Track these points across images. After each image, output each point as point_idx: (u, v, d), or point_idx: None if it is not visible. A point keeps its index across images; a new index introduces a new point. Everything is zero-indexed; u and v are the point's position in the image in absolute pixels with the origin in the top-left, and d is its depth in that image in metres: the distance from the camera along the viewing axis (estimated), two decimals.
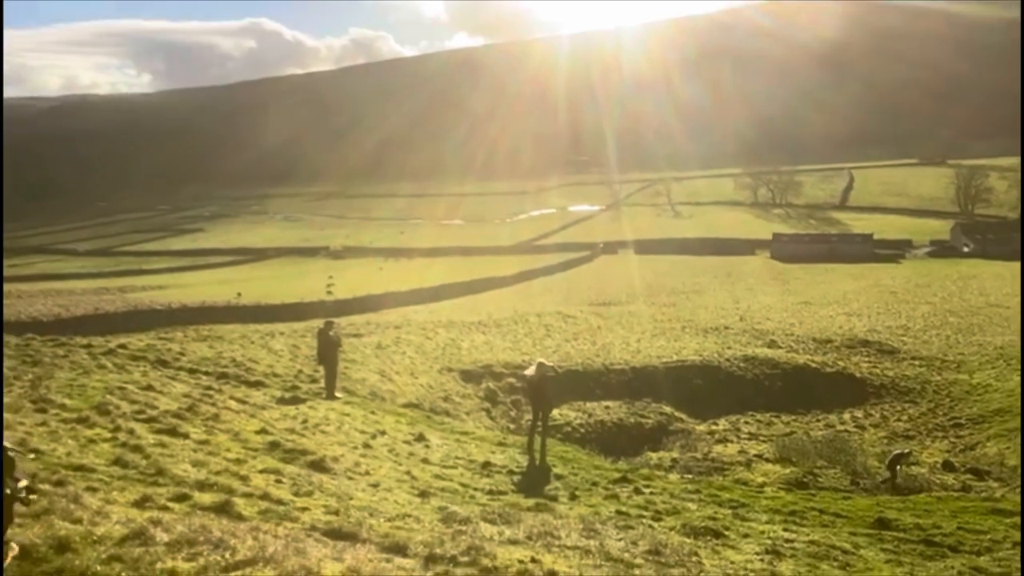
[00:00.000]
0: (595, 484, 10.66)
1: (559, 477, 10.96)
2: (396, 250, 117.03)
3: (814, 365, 25.05)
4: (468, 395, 19.76)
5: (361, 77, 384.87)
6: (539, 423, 12.85)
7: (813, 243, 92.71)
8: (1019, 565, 7.43)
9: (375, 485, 8.82)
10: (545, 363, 13.09)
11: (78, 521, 4.41)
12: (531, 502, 9.15)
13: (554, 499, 9.59)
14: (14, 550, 1.25)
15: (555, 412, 17.01)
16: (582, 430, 18.61)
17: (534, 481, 10.60)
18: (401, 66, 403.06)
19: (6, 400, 9.43)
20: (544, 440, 12.73)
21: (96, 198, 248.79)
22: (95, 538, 4.19)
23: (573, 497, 9.82)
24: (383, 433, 12.30)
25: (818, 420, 20.97)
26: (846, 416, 21.18)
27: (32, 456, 6.65)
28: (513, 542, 6.28)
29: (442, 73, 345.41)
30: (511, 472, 11.00)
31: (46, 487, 5.27)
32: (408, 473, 9.85)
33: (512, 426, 18.04)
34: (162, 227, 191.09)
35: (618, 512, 8.93)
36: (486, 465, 11.20)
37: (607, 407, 20.48)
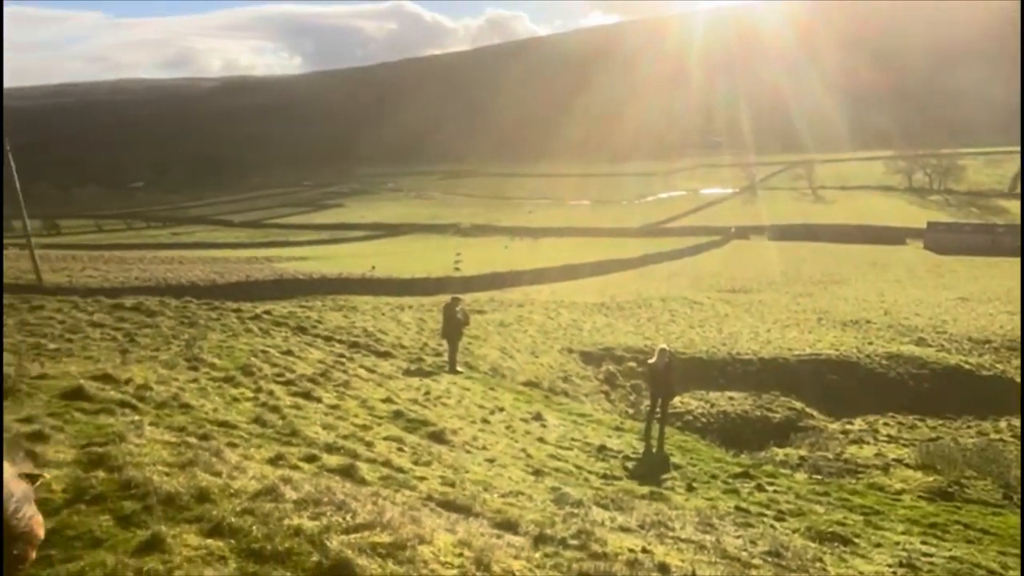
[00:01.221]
0: (714, 477, 10.32)
1: (676, 467, 10.71)
2: (522, 229, 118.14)
3: (968, 367, 22.90)
4: (587, 377, 19.69)
5: (496, 57, 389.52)
6: (659, 410, 12.59)
7: (974, 233, 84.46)
8: None
9: (491, 460, 8.98)
10: (666, 349, 12.77)
11: (218, 474, 4.76)
12: (645, 490, 8.99)
13: (670, 489, 9.38)
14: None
15: (676, 400, 16.61)
16: (703, 420, 18.08)
17: (650, 469, 10.42)
18: (535, 46, 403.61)
19: (165, 356, 10.38)
20: (663, 428, 12.46)
21: (251, 173, 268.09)
22: (232, 491, 4.51)
23: (690, 489, 9.56)
24: (501, 410, 12.49)
25: (969, 427, 19.18)
26: (1002, 424, 19.25)
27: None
28: (625, 529, 6.19)
29: (576, 52, 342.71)
30: (627, 458, 10.87)
31: (192, 440, 5.76)
32: (524, 451, 9.95)
33: (631, 411, 17.81)
34: (307, 202, 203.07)
35: (737, 508, 8.59)
36: (602, 449, 11.12)
37: (731, 398, 19.76)
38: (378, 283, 40.78)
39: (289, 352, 12.72)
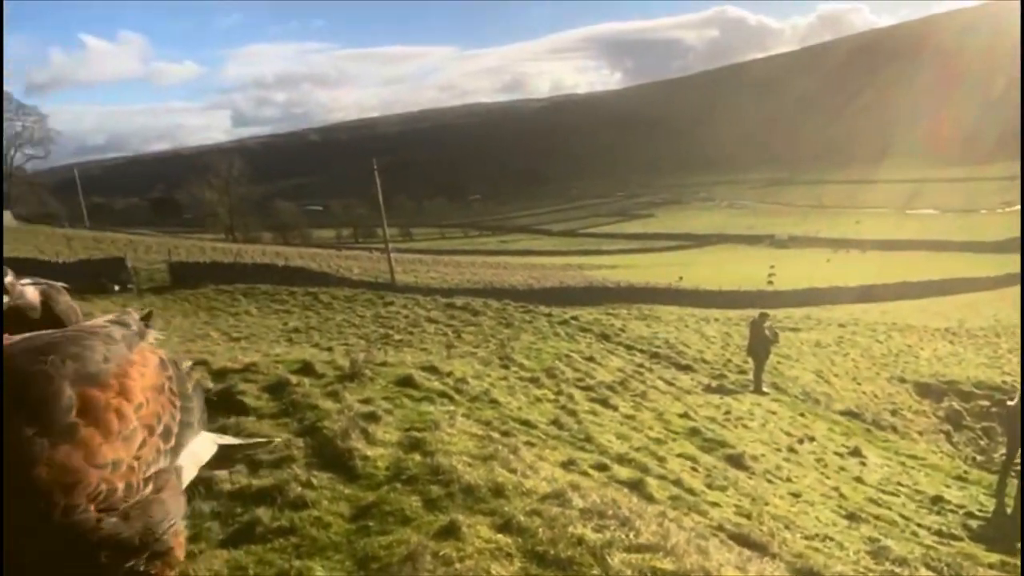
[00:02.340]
0: None
1: None
2: (847, 241, 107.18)
3: None
4: (923, 412, 17.04)
5: (825, 55, 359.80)
6: (1018, 462, 10.35)
7: None
8: None
9: (795, 495, 8.20)
10: None
11: (513, 471, 5.01)
12: (994, 558, 7.42)
13: None
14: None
15: None
16: None
17: (1002, 533, 8.59)
18: (869, 40, 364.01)
19: (483, 353, 11.39)
20: (1022, 485, 10.22)
21: (571, 185, 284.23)
22: (524, 490, 4.70)
23: None
24: (812, 439, 11.38)
25: None
26: None
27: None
28: None
29: (929, 39, 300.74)
30: (970, 515, 9.12)
31: (495, 435, 6.17)
32: (836, 489, 8.92)
33: (979, 458, 14.96)
34: (618, 212, 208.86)
35: None
36: (937, 500, 9.49)
37: None
38: (684, 294, 40.23)
39: (591, 358, 13.09)
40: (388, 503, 4.18)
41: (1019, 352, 24.07)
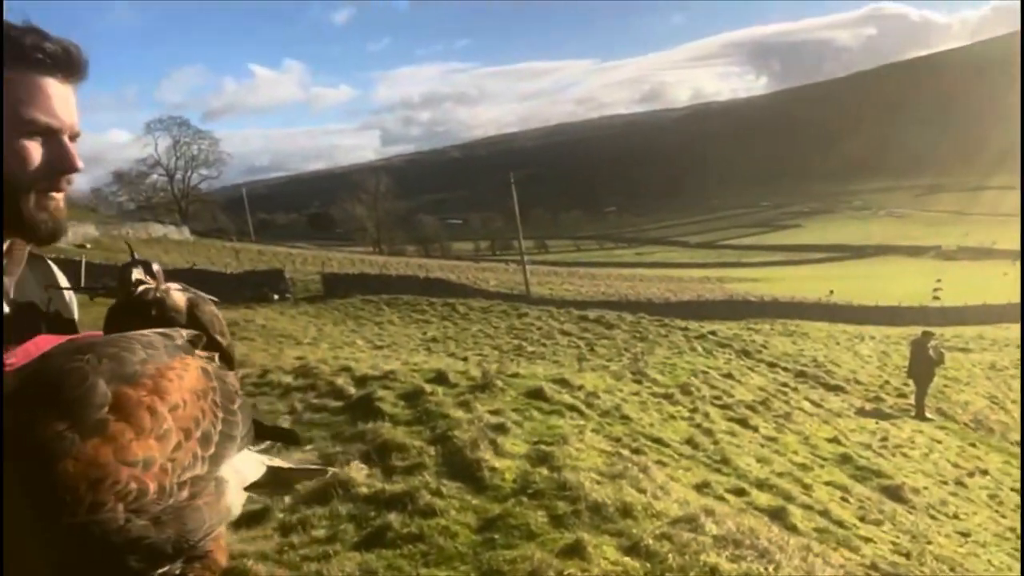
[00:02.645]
0: None
1: None
2: None
3: None
4: None
5: (992, 52, 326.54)
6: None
7: None
8: None
9: (964, 534, 7.37)
10: None
11: (643, 491, 4.85)
12: None
13: None
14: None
15: None
16: None
17: None
18: None
19: (615, 367, 11.21)
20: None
21: (710, 196, 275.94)
22: (653, 511, 4.53)
23: None
24: (984, 472, 10.22)
25: None
26: None
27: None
28: None
29: None
30: None
31: (625, 452, 6.01)
32: (1012, 530, 7.93)
33: None
34: (762, 222, 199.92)
35: None
36: None
37: None
38: (835, 309, 37.68)
39: (729, 375, 12.52)
40: (514, 516, 4.16)
41: None
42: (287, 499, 4.48)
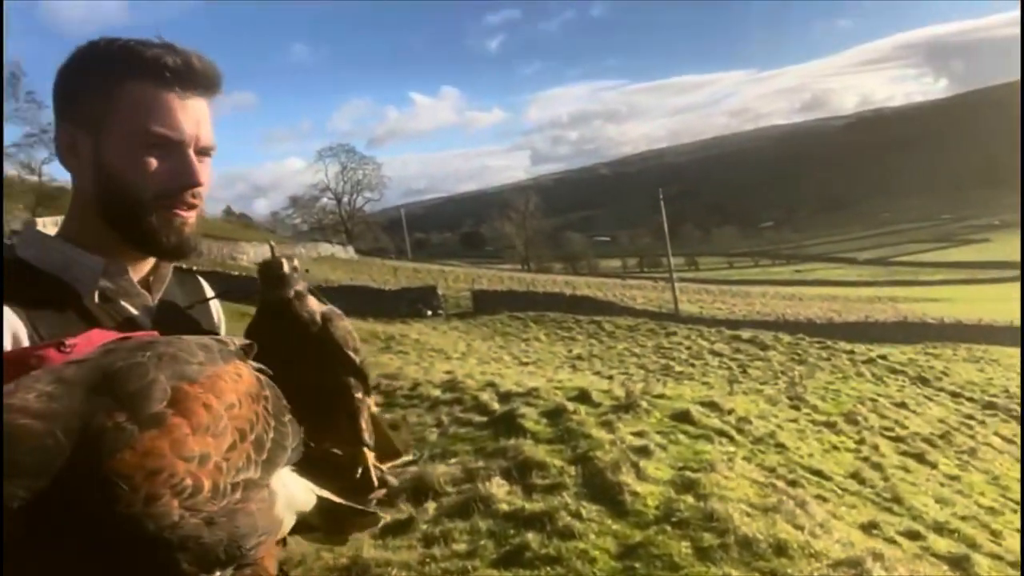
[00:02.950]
0: None
1: None
2: None
3: None
4: None
5: None
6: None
7: None
8: None
9: None
10: None
11: (799, 528, 4.49)
12: None
13: None
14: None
15: None
16: None
17: None
18: None
19: (770, 391, 10.57)
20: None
21: (879, 209, 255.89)
22: (811, 551, 4.18)
23: None
24: None
25: None
26: None
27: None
28: None
29: None
30: None
31: (780, 484, 5.61)
32: None
33: None
34: (942, 237, 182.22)
35: None
36: None
37: None
38: None
39: (903, 404, 11.42)
40: (656, 545, 4.00)
41: None
42: (430, 510, 4.59)
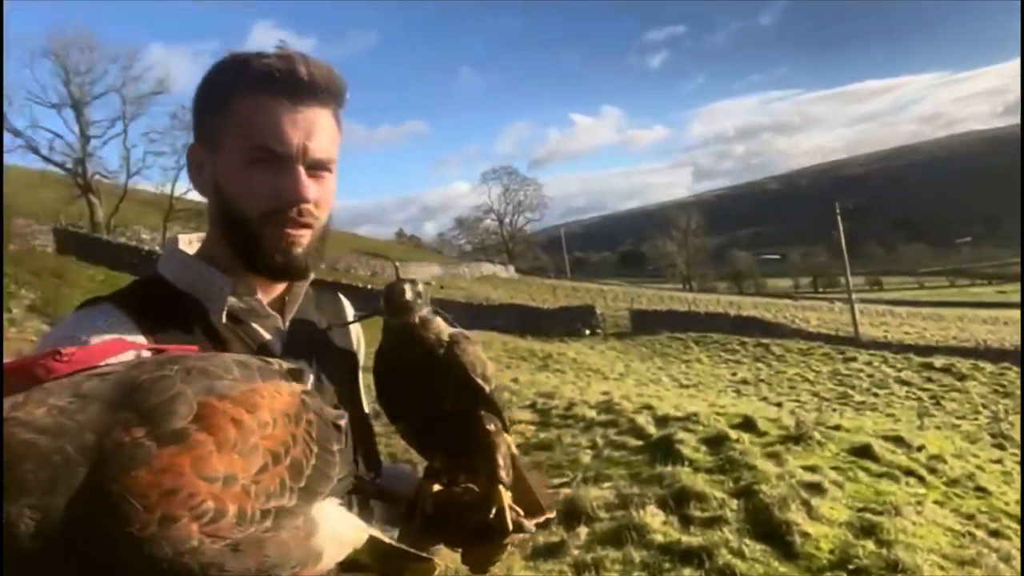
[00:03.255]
0: None
1: None
2: None
3: None
4: None
5: None
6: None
7: None
8: None
9: None
10: None
11: None
12: None
13: None
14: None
15: None
16: None
17: None
18: None
19: (968, 427, 9.41)
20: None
21: None
22: None
23: None
24: None
25: None
26: None
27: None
28: None
29: None
30: None
31: (980, 533, 4.92)
32: None
33: None
34: None
35: None
36: None
37: None
38: None
39: None
40: None
41: None
42: (582, 535, 4.49)
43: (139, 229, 37.01)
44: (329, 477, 0.69)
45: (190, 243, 1.04)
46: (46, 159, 37.98)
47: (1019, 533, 5.59)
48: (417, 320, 1.00)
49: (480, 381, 1.02)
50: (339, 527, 0.72)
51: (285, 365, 0.75)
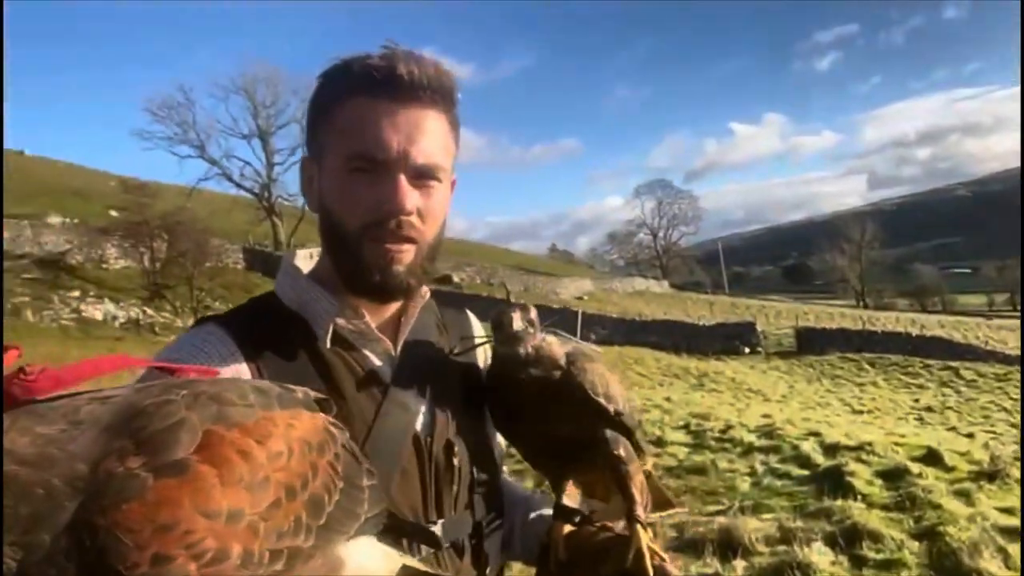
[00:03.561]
0: None
1: None
2: None
3: None
4: None
5: None
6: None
7: None
8: None
9: None
10: None
11: None
12: None
13: None
14: None
15: None
16: None
17: None
18: None
19: None
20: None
21: None
22: None
23: None
24: None
25: None
26: None
27: None
28: None
29: None
30: None
31: None
32: None
33: None
34: None
35: None
36: None
37: None
38: None
39: None
40: None
41: None
42: (739, 568, 4.23)
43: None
44: (356, 515, 0.63)
45: (310, 257, 0.99)
46: (238, 185, 42.51)
47: None
48: (530, 350, 0.92)
49: (603, 401, 0.93)
50: (366, 562, 0.65)
51: (312, 393, 0.69)
